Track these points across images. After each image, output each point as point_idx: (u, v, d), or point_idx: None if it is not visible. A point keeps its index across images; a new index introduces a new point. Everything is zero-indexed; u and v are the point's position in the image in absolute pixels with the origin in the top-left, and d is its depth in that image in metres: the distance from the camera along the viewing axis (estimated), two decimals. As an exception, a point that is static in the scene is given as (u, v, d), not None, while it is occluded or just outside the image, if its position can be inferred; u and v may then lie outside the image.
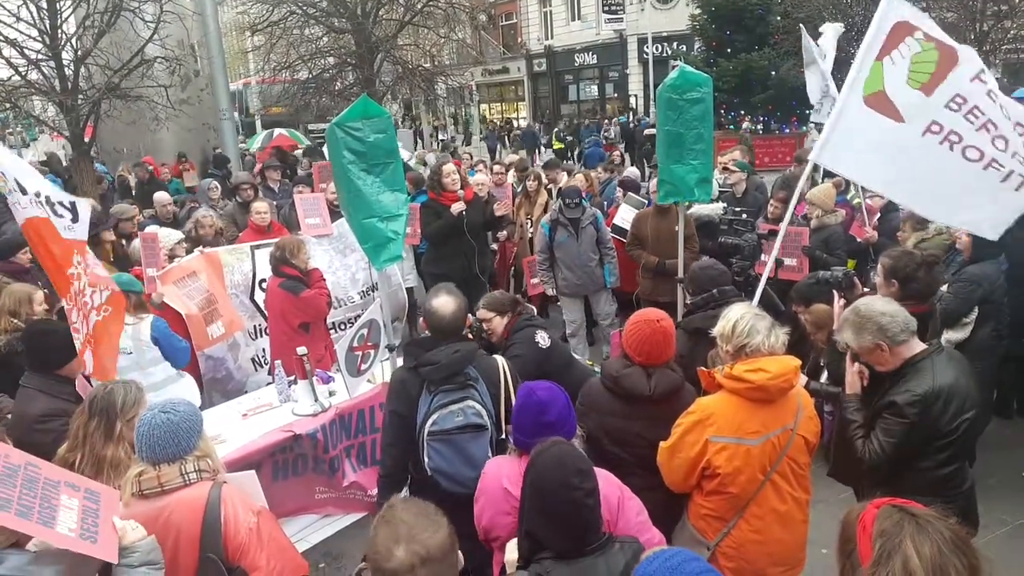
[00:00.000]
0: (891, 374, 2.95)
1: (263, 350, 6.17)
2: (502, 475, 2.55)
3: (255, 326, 6.13)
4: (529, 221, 8.05)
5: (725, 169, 8.07)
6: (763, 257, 6.06)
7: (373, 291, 6.82)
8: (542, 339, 3.90)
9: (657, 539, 2.49)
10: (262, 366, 6.15)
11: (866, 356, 2.99)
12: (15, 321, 4.23)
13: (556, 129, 27.94)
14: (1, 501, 1.97)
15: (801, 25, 7.09)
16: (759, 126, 20.19)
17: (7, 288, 4.46)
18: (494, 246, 7.89)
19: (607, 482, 2.50)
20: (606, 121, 28.59)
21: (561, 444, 2.23)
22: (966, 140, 3.76)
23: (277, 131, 20.13)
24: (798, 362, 2.85)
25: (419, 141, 29.95)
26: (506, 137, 31.82)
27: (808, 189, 6.62)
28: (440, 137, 33.08)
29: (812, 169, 4.62)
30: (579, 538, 2.07)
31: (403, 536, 1.75)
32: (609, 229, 6.98)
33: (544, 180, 8.71)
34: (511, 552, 2.25)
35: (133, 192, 12.81)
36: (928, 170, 3.85)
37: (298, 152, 16.39)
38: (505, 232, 7.61)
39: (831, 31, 7.19)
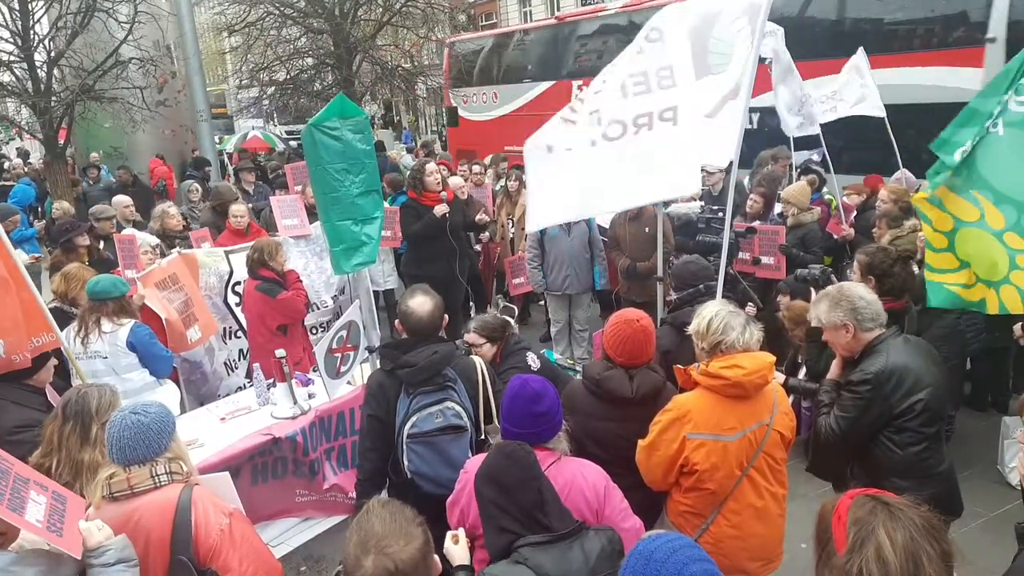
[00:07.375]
0: (853, 360, 3.01)
1: (233, 353, 6.11)
2: None
3: (226, 328, 6.05)
4: (511, 222, 8.05)
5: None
6: (740, 255, 6.12)
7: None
8: (533, 361, 3.98)
9: (638, 525, 2.51)
10: (234, 370, 6.07)
11: (830, 334, 3.04)
12: None
13: None
14: None
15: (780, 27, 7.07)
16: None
17: None
18: (477, 247, 7.86)
19: (594, 471, 2.53)
20: None
21: (508, 444, 2.33)
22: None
23: (251, 133, 19.96)
24: (773, 358, 2.88)
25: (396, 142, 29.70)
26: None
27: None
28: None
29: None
30: (536, 506, 2.13)
31: (372, 547, 1.70)
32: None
33: (525, 180, 8.70)
34: None
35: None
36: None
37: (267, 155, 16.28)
38: (487, 233, 7.58)
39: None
